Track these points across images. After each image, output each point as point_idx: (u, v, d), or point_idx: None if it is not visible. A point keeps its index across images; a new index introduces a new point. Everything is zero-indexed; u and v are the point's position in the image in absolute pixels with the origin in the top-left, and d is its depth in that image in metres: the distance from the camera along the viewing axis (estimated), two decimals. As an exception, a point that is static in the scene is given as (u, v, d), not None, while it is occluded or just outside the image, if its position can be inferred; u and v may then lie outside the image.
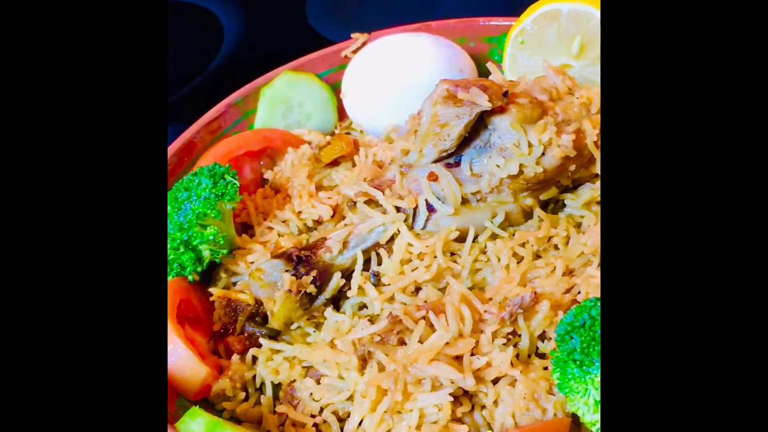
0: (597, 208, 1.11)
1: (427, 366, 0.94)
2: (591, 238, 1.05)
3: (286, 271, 1.06)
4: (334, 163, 1.27)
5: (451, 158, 1.09)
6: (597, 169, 1.11)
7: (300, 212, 1.22)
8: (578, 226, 1.10)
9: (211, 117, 1.36)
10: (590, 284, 1.01)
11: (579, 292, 1.02)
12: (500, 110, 1.07)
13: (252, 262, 1.15)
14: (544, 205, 1.13)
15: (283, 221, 1.23)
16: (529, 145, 1.06)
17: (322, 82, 1.42)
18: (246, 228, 1.26)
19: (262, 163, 1.35)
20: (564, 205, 1.13)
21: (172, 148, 1.30)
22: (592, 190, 1.12)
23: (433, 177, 1.08)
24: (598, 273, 1.02)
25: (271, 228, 1.22)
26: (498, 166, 1.06)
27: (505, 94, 1.06)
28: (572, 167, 1.08)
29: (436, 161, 1.10)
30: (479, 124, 1.08)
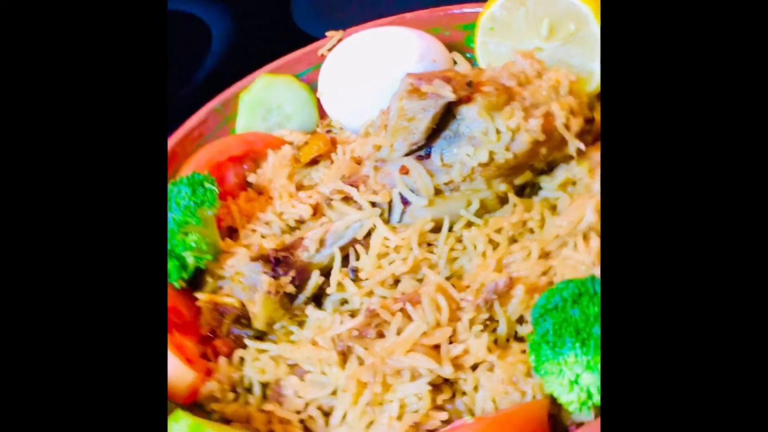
0: (573, 189, 1.12)
1: (403, 357, 0.95)
2: (566, 220, 1.06)
3: (265, 272, 1.07)
4: (313, 162, 1.28)
5: (422, 150, 1.10)
6: (571, 150, 1.11)
7: (282, 213, 1.23)
8: (554, 208, 1.10)
9: (191, 125, 1.37)
10: (566, 266, 1.02)
11: (555, 274, 1.03)
12: (467, 100, 1.08)
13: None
14: (521, 189, 1.13)
15: (266, 223, 1.24)
16: (497, 132, 1.06)
17: (301, 82, 1.43)
18: (233, 232, 1.28)
19: (245, 167, 1.37)
20: (540, 188, 1.14)
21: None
22: (566, 172, 1.12)
23: (404, 170, 1.09)
24: (573, 254, 1.03)
25: (254, 230, 1.24)
26: (468, 155, 1.07)
27: (469, 83, 1.06)
28: (543, 151, 1.09)
29: (407, 154, 1.11)
30: (448, 115, 1.09)
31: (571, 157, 1.12)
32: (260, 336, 1.12)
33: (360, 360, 0.99)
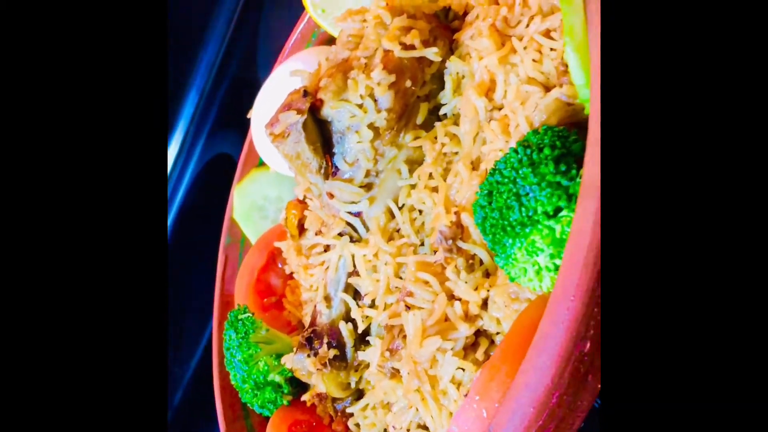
0: (463, 86, 1.07)
1: (422, 350, 0.97)
2: (466, 121, 1.02)
3: (308, 356, 1.14)
4: (302, 228, 1.34)
5: (331, 168, 1.12)
6: (437, 56, 1.07)
7: (311, 286, 1.30)
8: (458, 118, 1.06)
9: (221, 271, 1.49)
10: (489, 160, 0.98)
11: (492, 175, 0.99)
12: (320, 103, 1.08)
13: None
14: (437, 118, 1.11)
15: (310, 301, 1.32)
16: (359, 106, 1.05)
17: (264, 167, 1.50)
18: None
19: (279, 265, 1.46)
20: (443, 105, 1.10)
21: (215, 323, 1.45)
22: (450, 77, 1.08)
23: (330, 195, 1.12)
24: (490, 146, 0.98)
25: (306, 314, 1.32)
26: (358, 142, 1.07)
27: (305, 93, 1.07)
28: (408, 83, 1.06)
29: (326, 179, 1.13)
30: (323, 126, 1.10)
31: (443, 61, 1.08)
32: (359, 396, 1.19)
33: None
